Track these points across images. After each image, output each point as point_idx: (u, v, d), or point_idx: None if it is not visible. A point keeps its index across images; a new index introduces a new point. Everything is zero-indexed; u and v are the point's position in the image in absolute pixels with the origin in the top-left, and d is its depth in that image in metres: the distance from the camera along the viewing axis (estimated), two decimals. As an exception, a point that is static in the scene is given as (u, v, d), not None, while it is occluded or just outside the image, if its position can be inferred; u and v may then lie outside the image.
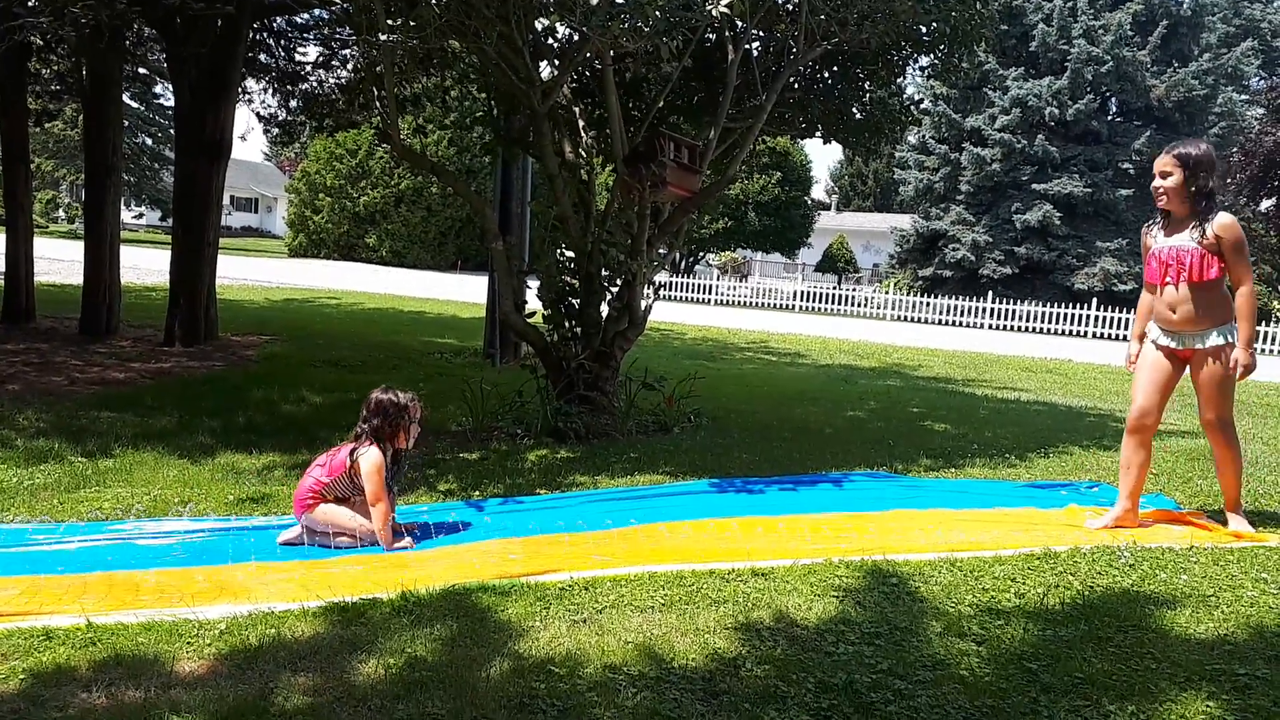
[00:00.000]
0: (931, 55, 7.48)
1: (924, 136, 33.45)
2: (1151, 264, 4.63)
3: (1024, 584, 3.72)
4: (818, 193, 51.24)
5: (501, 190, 10.76)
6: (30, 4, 8.91)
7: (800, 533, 4.38)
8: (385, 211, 36.06)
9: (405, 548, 4.09)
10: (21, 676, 2.70)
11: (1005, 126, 31.04)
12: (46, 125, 18.43)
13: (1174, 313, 4.55)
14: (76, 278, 11.97)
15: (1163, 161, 4.50)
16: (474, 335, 12.60)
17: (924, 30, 7.05)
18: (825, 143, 8.38)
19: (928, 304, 26.59)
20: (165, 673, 2.75)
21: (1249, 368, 4.45)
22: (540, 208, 7.64)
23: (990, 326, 25.10)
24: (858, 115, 7.96)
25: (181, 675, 2.74)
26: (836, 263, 40.88)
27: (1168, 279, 4.53)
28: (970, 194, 32.11)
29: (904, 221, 37.36)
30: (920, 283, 32.43)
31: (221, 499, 4.75)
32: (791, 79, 7.38)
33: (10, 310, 11.49)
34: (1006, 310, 25.11)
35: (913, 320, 26.24)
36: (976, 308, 25.52)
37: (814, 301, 27.81)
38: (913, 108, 8.38)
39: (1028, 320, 24.86)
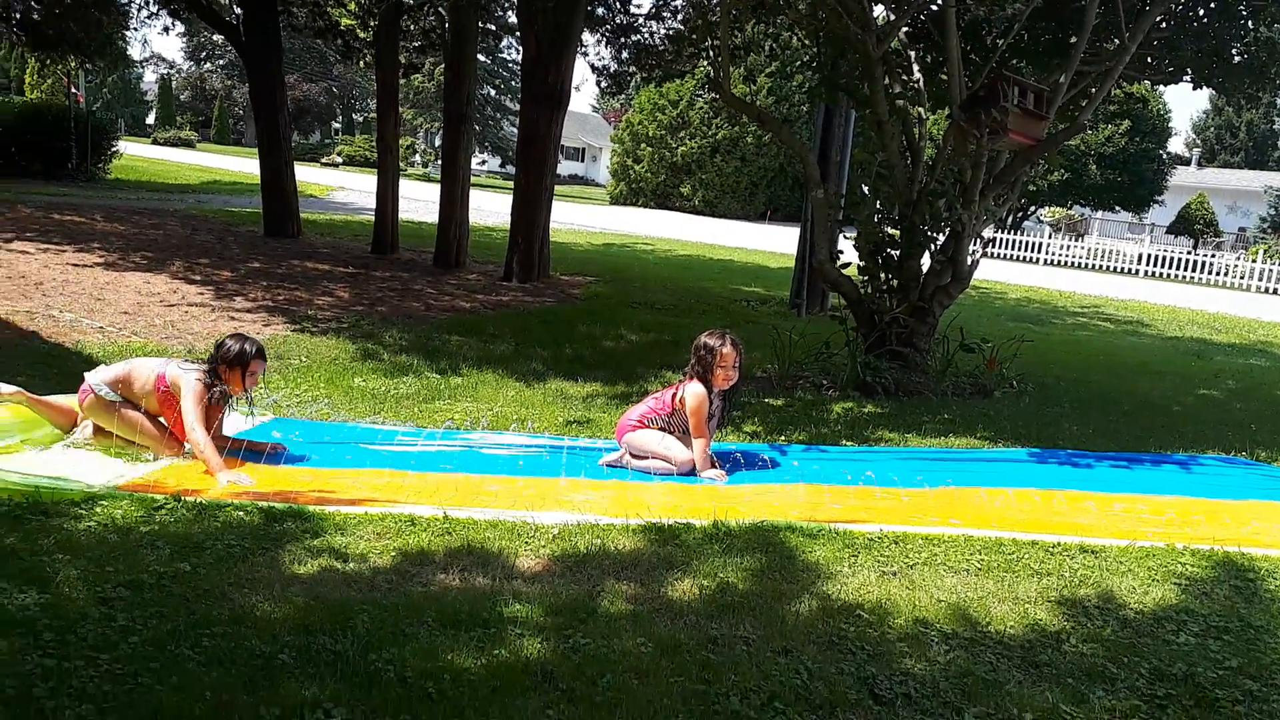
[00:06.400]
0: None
1: (1317, 81, 28.56)
2: None
3: None
4: (1176, 145, 45.42)
5: (821, 138, 10.59)
6: None
7: (1138, 514, 4.01)
8: (701, 161, 36.82)
9: (715, 479, 4.23)
10: (393, 554, 3.12)
11: None
12: (410, 78, 20.57)
13: None
14: (430, 216, 13.35)
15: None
16: (780, 285, 12.62)
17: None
18: (1195, 88, 7.47)
19: (1305, 276, 22.86)
20: (508, 565, 3.07)
21: None
22: (863, 155, 7.42)
23: (1389, 307, 21.20)
24: (1236, 57, 6.99)
25: (521, 569, 3.05)
26: (1193, 224, 36.13)
27: None
28: (1375, 149, 27.14)
29: (1282, 180, 32.41)
30: (1298, 252, 27.95)
31: (552, 420, 5.17)
32: (1160, 18, 6.60)
33: (378, 242, 13.08)
34: None
35: (1285, 294, 22.70)
36: (1370, 283, 21.64)
37: (1162, 266, 24.73)
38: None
39: None
